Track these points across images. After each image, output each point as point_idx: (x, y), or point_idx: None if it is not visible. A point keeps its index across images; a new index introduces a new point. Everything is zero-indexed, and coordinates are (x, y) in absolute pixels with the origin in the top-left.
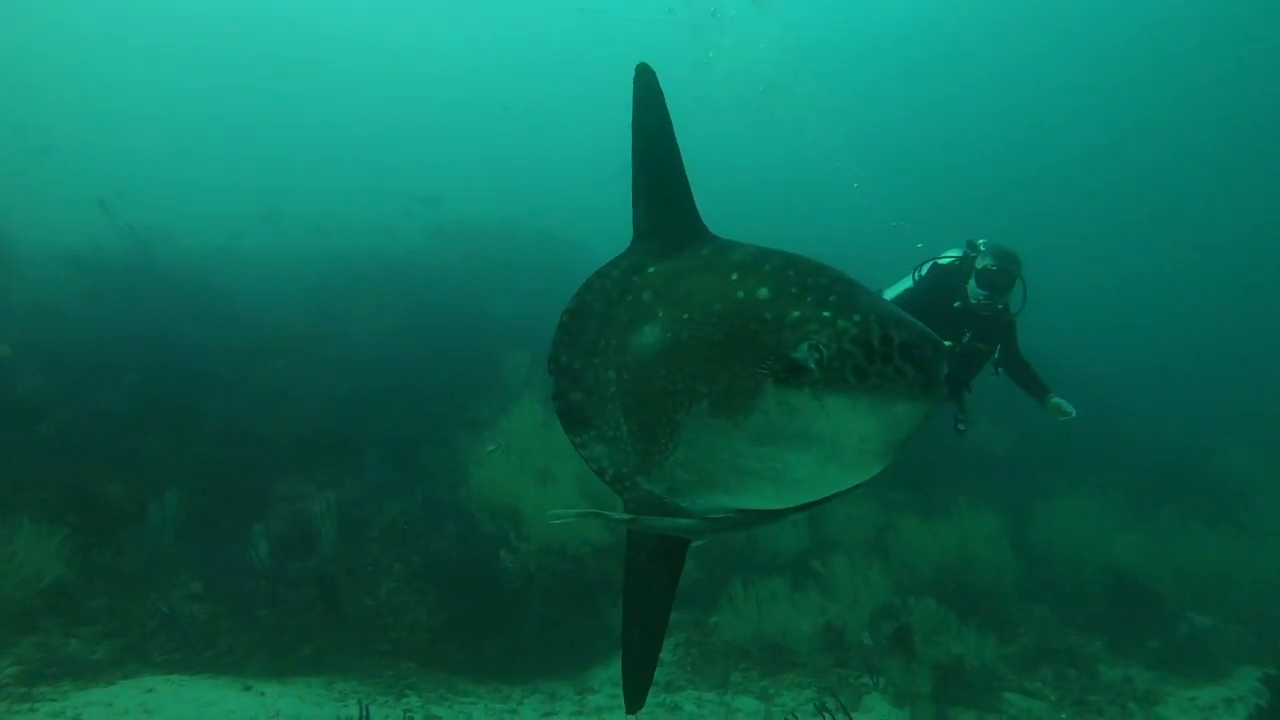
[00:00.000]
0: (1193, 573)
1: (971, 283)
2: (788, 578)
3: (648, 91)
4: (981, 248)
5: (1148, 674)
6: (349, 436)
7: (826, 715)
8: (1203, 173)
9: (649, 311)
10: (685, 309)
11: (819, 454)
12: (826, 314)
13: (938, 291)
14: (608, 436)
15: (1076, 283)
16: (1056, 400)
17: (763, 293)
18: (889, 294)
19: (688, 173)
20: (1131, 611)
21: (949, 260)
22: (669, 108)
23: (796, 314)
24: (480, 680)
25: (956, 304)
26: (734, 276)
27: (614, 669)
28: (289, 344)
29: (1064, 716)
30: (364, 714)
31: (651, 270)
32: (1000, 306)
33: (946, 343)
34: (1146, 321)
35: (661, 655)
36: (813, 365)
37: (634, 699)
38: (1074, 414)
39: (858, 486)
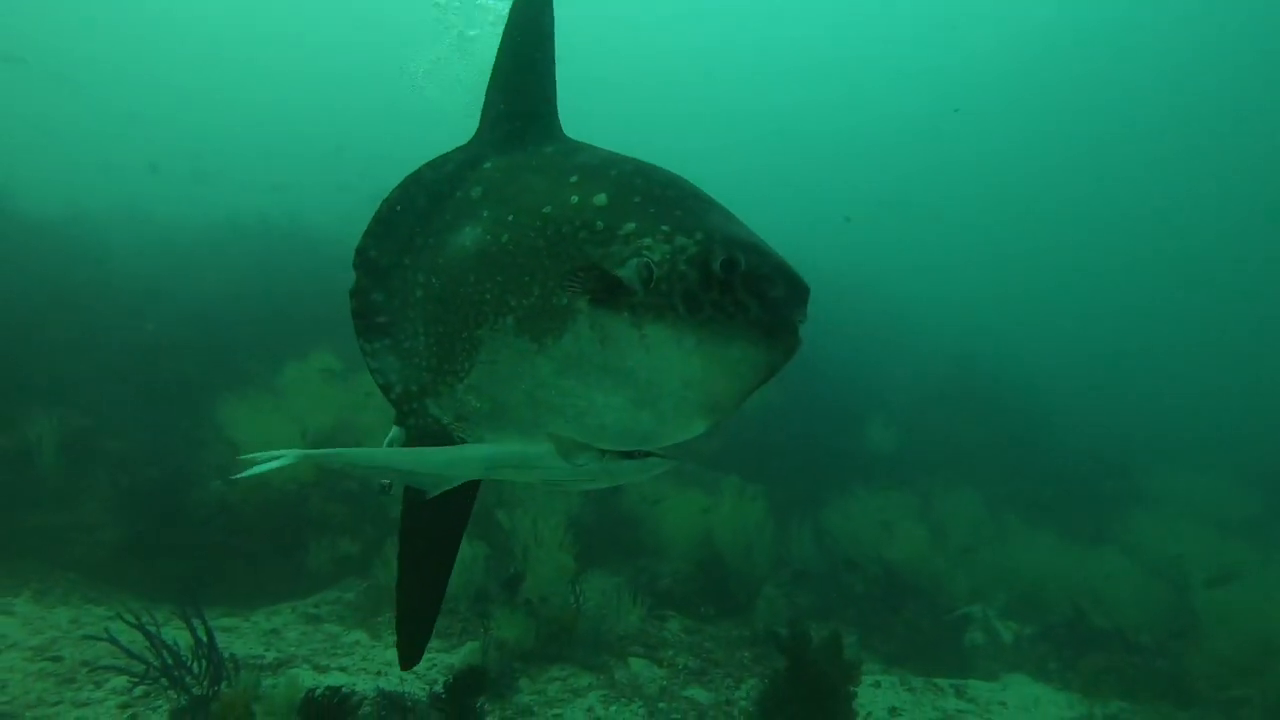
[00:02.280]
0: (1002, 577)
1: None
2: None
3: None
4: None
5: (874, 667)
6: (128, 373)
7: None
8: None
9: (474, 210)
10: (512, 209)
11: (630, 396)
12: (665, 228)
13: None
14: (403, 348)
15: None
16: None
17: (600, 199)
18: None
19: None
20: (892, 605)
21: None
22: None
23: (632, 225)
24: (150, 599)
25: None
26: (573, 178)
27: (306, 605)
28: (118, 290)
29: (664, 684)
30: None
31: (488, 165)
32: None
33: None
34: (1112, 328)
35: (345, 597)
36: (637, 285)
37: (407, 655)
38: None
39: (665, 460)
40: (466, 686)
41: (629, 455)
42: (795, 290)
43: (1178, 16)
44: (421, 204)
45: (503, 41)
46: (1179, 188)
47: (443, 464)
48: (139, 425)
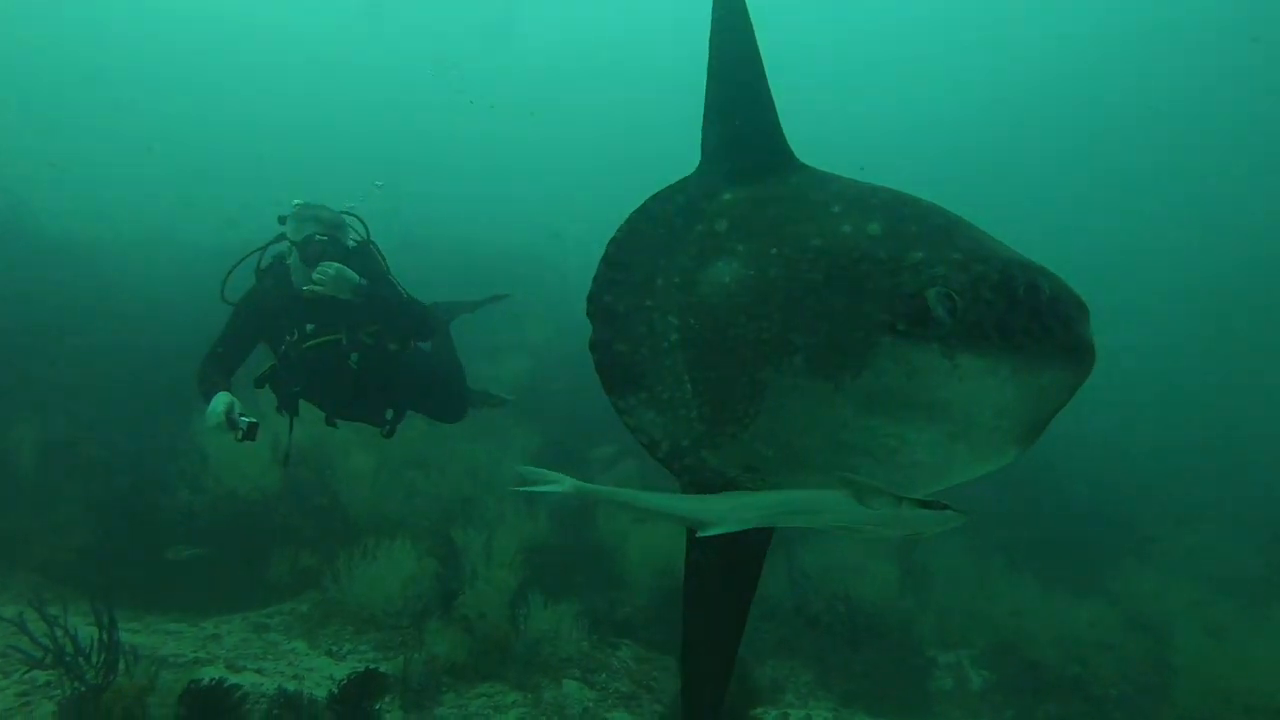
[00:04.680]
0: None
1: (295, 261)
2: (421, 545)
3: (731, 5)
4: (290, 215)
5: (823, 704)
6: (123, 381)
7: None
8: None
9: (724, 245)
10: (774, 243)
11: (945, 429)
12: (957, 255)
13: (272, 290)
14: (662, 399)
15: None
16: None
17: (873, 228)
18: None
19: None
20: (854, 644)
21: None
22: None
23: (919, 254)
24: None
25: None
26: (835, 209)
27: (259, 615)
28: (122, 306)
29: (589, 705)
30: None
31: (727, 197)
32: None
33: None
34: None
35: (299, 609)
36: (943, 314)
37: None
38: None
39: (960, 514)
40: (363, 690)
41: (925, 505)
42: (1084, 310)
43: None
44: (656, 241)
45: (710, 70)
46: (1193, 205)
47: (722, 513)
48: (125, 433)
